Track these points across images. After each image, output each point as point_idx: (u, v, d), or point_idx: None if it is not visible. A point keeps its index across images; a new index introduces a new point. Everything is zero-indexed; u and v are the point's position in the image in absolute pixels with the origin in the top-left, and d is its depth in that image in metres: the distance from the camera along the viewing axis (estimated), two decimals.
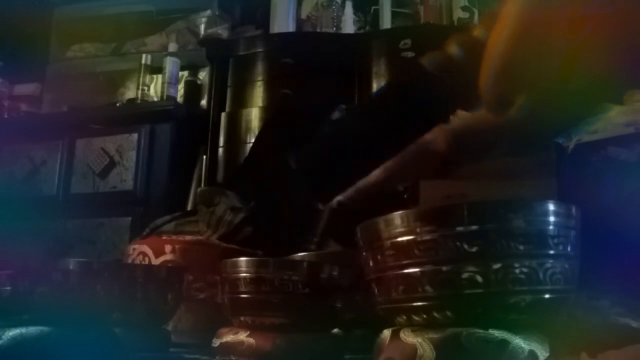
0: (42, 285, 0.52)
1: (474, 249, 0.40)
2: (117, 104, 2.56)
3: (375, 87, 2.09)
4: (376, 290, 0.46)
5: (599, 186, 0.59)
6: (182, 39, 2.69)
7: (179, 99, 2.49)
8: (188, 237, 0.80)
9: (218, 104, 2.25)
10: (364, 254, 0.46)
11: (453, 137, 0.75)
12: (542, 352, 0.41)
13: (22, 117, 2.65)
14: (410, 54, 2.04)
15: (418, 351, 0.40)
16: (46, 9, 2.82)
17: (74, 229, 2.21)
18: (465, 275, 0.40)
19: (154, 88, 2.64)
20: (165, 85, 2.51)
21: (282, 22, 2.41)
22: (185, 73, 2.61)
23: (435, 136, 0.75)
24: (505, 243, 0.40)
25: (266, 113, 2.07)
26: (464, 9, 2.26)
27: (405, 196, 0.69)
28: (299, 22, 2.50)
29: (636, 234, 0.53)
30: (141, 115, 2.33)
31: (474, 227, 0.40)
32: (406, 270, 0.42)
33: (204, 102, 2.45)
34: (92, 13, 2.77)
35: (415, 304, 0.42)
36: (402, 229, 0.42)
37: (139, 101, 2.49)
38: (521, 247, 0.40)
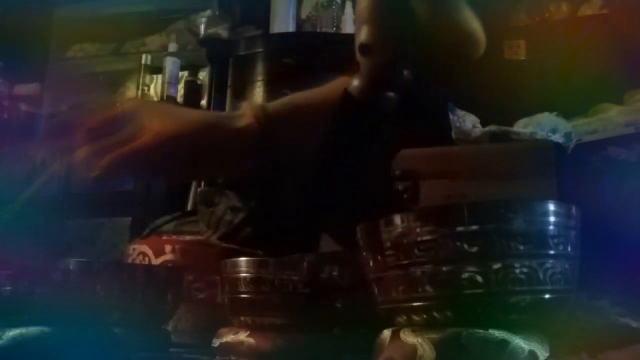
0: (42, 285, 0.52)
1: (474, 249, 0.40)
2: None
3: None
4: (376, 290, 0.46)
5: (599, 186, 0.59)
6: (182, 39, 2.69)
7: (179, 99, 2.49)
8: (188, 237, 0.79)
9: (218, 104, 2.25)
10: (364, 254, 0.46)
11: (264, 113, 0.72)
12: (542, 352, 0.41)
13: (22, 117, 2.65)
14: None
15: (418, 351, 0.40)
16: (46, 9, 2.82)
17: (73, 229, 2.21)
18: (465, 275, 0.40)
19: (154, 88, 2.64)
20: (165, 85, 2.51)
21: (282, 22, 2.41)
22: (185, 73, 2.61)
23: (243, 111, 0.72)
24: (505, 243, 0.40)
25: None
26: None
27: (405, 196, 0.68)
28: (299, 22, 2.50)
29: (636, 234, 0.53)
30: None
31: (474, 227, 0.40)
32: (406, 270, 0.42)
33: (203, 102, 2.45)
34: (92, 13, 2.78)
35: (415, 304, 0.42)
36: (402, 229, 0.42)
37: None
38: (521, 247, 0.40)
